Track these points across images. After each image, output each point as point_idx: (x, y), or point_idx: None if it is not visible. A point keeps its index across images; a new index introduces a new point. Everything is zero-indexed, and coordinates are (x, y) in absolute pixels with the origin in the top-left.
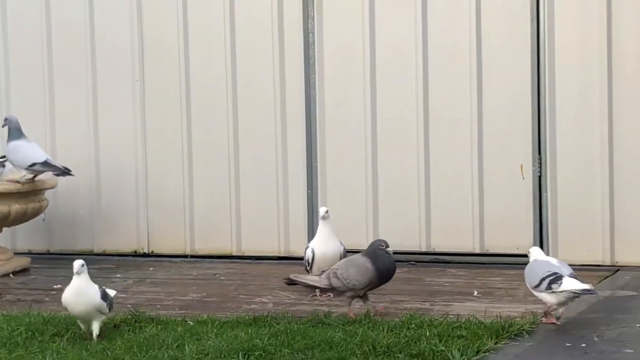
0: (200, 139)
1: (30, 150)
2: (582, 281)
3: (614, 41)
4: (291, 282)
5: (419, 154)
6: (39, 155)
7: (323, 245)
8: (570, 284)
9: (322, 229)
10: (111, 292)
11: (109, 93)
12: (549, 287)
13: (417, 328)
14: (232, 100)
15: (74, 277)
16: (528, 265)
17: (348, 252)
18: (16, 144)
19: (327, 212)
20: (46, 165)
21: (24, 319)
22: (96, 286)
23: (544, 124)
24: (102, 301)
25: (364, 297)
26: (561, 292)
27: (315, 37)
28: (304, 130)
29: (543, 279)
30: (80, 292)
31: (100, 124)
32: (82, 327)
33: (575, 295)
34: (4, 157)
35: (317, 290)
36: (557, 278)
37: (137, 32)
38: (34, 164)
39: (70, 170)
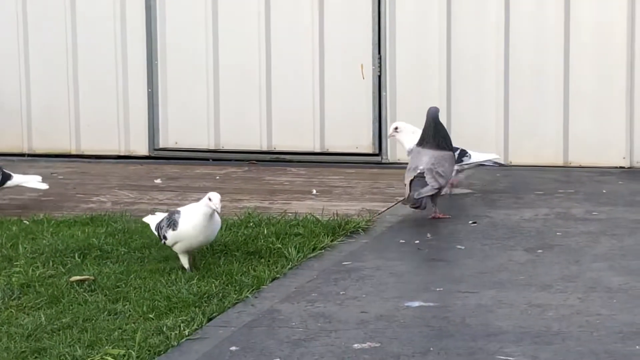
0: (37, 33)
1: None
2: None
3: None
4: None
5: (260, 51)
6: None
7: None
8: None
9: None
10: None
11: None
12: None
13: (255, 226)
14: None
15: (199, 207)
16: None
17: (187, 152)
18: None
19: None
20: None
21: None
22: None
23: (384, 23)
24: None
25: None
26: None
27: None
28: (144, 27)
29: None
30: (214, 221)
31: None
32: (185, 258)
33: None
34: None
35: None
36: None
37: None
38: None
39: None
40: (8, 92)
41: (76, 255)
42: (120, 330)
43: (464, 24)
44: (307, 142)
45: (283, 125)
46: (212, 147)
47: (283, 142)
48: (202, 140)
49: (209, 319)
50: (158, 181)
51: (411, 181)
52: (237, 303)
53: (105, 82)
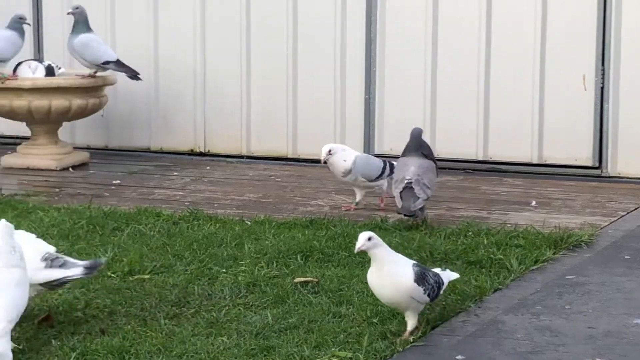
0: (259, 38)
1: (102, 46)
2: None
3: None
4: None
5: (479, 61)
6: (112, 54)
7: None
8: None
9: None
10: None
11: None
12: None
13: (474, 236)
14: (293, 2)
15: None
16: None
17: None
18: (86, 38)
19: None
20: (119, 65)
21: (84, 212)
22: (407, 265)
23: (608, 35)
24: (417, 286)
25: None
26: None
27: None
28: (363, 34)
29: None
30: (381, 275)
31: (160, 23)
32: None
33: None
34: (54, 64)
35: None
36: None
37: None
38: (107, 62)
39: (139, 74)
40: (229, 95)
41: (298, 256)
42: (345, 333)
43: None
44: (524, 153)
45: (500, 135)
46: None
47: (499, 151)
48: None
49: (433, 327)
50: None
51: (400, 192)
52: (460, 312)
53: (323, 87)
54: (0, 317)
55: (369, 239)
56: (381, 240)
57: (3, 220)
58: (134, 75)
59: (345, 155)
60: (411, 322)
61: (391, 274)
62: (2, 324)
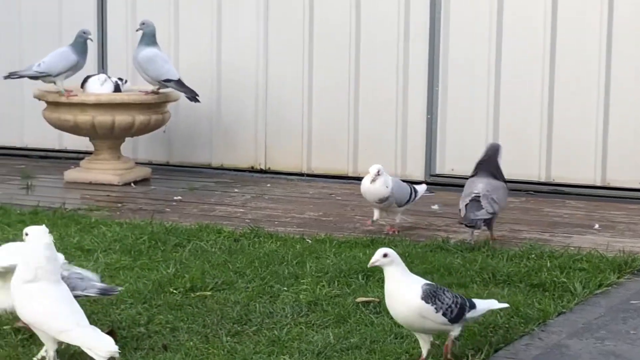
0: (322, 56)
1: (166, 64)
2: None
3: None
4: None
5: (543, 81)
6: (174, 72)
7: None
8: None
9: None
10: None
11: (233, 9)
12: None
13: (537, 258)
14: (356, 20)
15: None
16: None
17: (463, 179)
18: (151, 52)
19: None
20: (179, 84)
21: (146, 228)
22: (417, 284)
23: None
24: (425, 304)
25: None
26: None
27: None
28: (426, 53)
29: None
30: (391, 294)
31: (223, 40)
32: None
33: None
34: (121, 78)
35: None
36: None
37: None
38: (168, 80)
39: (198, 96)
40: (290, 111)
41: (359, 276)
42: (407, 355)
43: None
44: (587, 175)
45: (563, 157)
46: None
47: (562, 173)
48: None
49: (496, 350)
50: (435, 207)
51: (466, 205)
52: (523, 336)
53: (385, 105)
54: (86, 322)
55: (385, 255)
56: (398, 258)
57: (43, 226)
58: (193, 96)
59: (387, 180)
60: (426, 348)
61: (400, 292)
62: (96, 329)
